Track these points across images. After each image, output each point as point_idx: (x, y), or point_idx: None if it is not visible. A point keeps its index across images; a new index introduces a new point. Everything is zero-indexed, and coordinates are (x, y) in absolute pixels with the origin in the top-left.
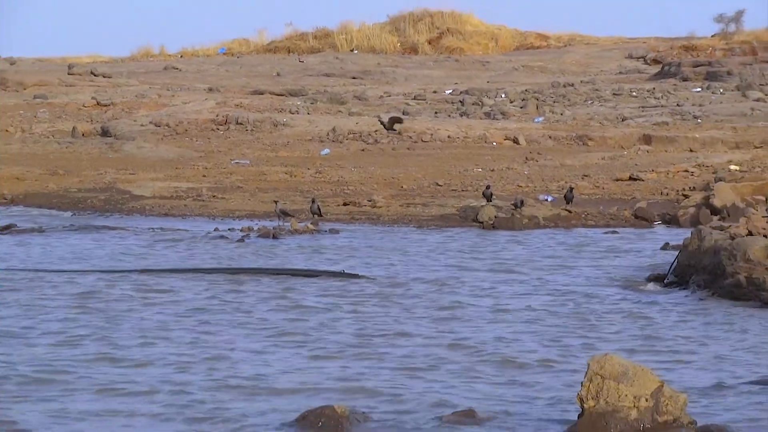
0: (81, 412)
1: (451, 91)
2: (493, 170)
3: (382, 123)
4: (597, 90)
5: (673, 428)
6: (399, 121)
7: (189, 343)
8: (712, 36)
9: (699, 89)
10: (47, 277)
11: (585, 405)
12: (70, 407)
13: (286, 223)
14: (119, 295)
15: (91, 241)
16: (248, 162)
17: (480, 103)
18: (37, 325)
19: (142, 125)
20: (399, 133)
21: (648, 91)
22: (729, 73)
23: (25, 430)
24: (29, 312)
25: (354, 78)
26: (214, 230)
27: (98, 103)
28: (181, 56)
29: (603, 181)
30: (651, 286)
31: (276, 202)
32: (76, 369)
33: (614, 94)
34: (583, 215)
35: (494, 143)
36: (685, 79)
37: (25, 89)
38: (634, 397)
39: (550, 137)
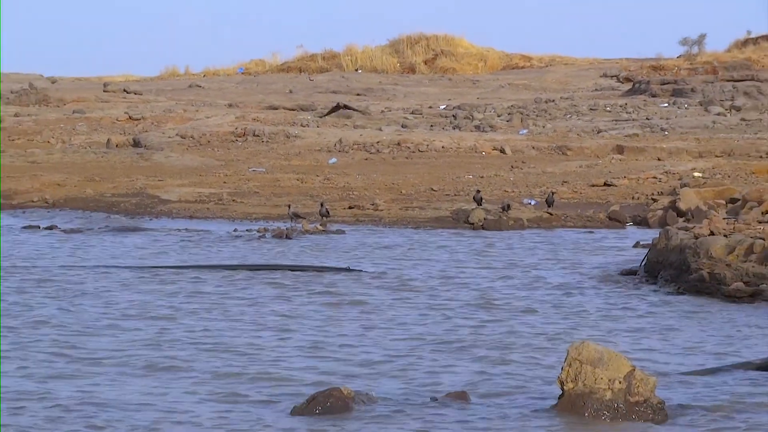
0: None
1: (444, 106)
2: (482, 177)
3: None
4: (575, 105)
5: (643, 408)
6: (338, 108)
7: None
8: (677, 57)
9: (666, 104)
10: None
11: (565, 387)
12: None
13: (297, 225)
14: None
15: (143, 239)
16: (264, 170)
17: (471, 117)
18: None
19: (169, 137)
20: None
21: (620, 106)
22: (693, 90)
23: None
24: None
25: (358, 95)
26: (234, 231)
27: (130, 118)
28: (204, 75)
29: (580, 186)
30: (624, 280)
31: (289, 205)
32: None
33: (590, 109)
34: (563, 217)
35: (483, 153)
36: (653, 96)
37: (65, 105)
38: (609, 380)
39: (533, 147)
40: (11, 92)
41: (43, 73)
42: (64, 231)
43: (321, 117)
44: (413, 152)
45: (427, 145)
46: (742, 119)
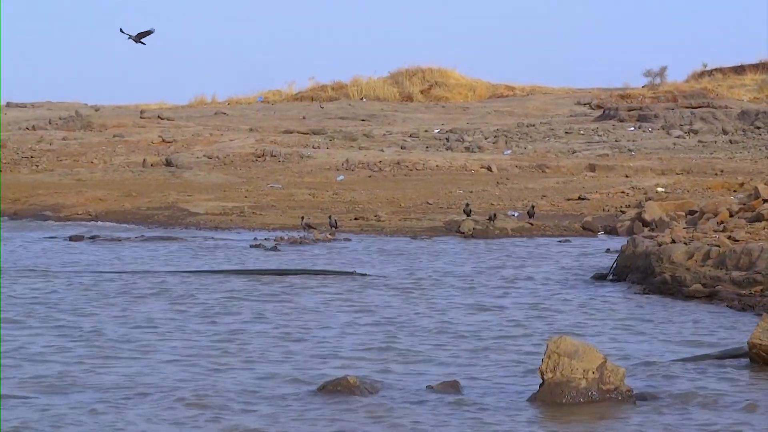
0: None
1: (438, 130)
2: (471, 192)
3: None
4: (553, 129)
5: (614, 395)
6: (145, 35)
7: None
8: (642, 87)
9: (632, 128)
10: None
11: (545, 377)
12: None
13: (310, 234)
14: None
15: (178, 246)
16: (280, 186)
17: (461, 140)
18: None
19: (197, 158)
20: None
21: (593, 130)
22: (656, 116)
23: None
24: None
25: (363, 120)
26: (254, 240)
27: (163, 141)
28: (228, 104)
29: (558, 200)
30: (595, 282)
31: (302, 217)
32: None
33: (566, 132)
34: (542, 227)
35: (472, 171)
36: (621, 121)
37: (106, 130)
38: (584, 371)
39: (516, 166)
40: (60, 119)
41: (87, 101)
42: (109, 240)
43: (132, 39)
44: (411, 170)
45: (424, 164)
46: (699, 141)
